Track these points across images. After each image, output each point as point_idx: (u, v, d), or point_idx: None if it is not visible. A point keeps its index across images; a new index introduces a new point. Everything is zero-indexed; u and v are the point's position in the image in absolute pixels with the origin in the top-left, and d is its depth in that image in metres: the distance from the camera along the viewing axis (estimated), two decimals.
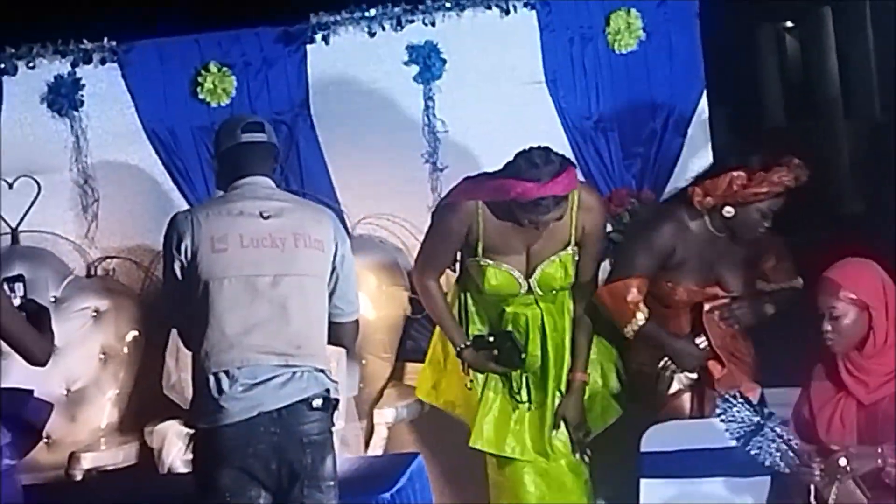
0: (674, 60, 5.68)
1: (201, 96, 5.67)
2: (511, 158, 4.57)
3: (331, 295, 3.99)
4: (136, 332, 5.57)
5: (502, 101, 5.64)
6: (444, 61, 5.66)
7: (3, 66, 5.68)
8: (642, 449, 4.56)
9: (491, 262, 4.72)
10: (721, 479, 4.36)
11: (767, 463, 3.84)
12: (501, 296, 4.79)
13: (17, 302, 3.99)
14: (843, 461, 3.78)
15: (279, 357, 3.83)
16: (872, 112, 10.99)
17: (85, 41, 5.70)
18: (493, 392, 4.85)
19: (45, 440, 5.10)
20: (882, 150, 8.03)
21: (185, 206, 5.35)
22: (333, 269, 3.98)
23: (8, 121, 5.69)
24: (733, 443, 3.91)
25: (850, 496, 3.78)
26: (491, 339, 4.77)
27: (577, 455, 4.84)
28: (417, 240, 5.18)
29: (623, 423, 4.94)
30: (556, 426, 4.81)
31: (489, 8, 5.65)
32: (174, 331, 4.81)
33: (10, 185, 5.68)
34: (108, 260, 5.74)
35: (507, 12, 5.64)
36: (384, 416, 5.37)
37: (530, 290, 4.76)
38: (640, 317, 4.74)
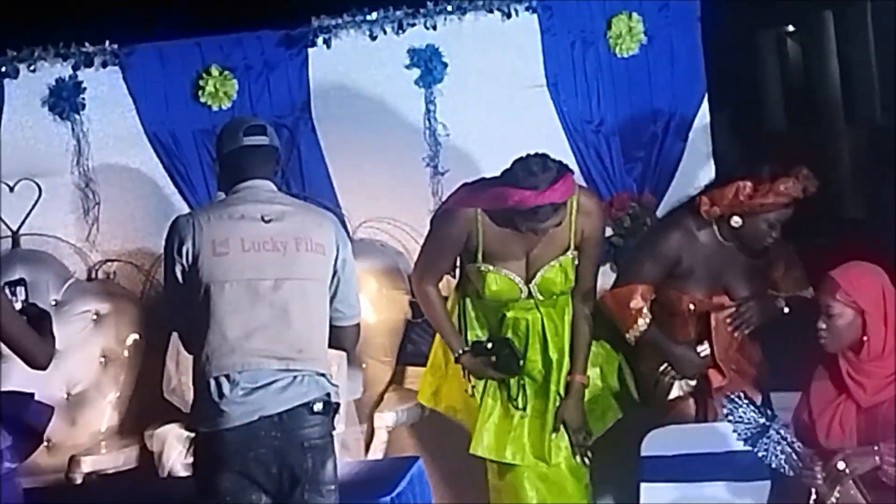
0: (675, 64, 5.68)
1: (202, 100, 5.67)
2: (508, 166, 4.55)
3: (332, 299, 3.98)
4: (136, 336, 5.56)
5: (503, 104, 5.64)
6: (446, 65, 5.66)
7: (4, 68, 5.66)
8: (643, 453, 4.57)
9: (491, 268, 4.72)
10: (721, 483, 4.37)
11: (774, 465, 3.84)
12: (502, 301, 4.79)
13: (18, 305, 3.97)
14: (841, 464, 3.78)
15: (280, 361, 3.83)
16: (873, 115, 10.97)
17: (86, 44, 5.68)
18: (492, 399, 4.84)
19: (46, 443, 5.08)
20: (883, 153, 8.02)
21: (186, 210, 5.35)
22: (335, 272, 3.98)
23: (9, 124, 5.68)
24: (735, 446, 3.92)
25: (851, 500, 3.79)
26: (489, 345, 4.77)
27: (578, 458, 4.83)
28: (418, 243, 5.17)
29: (623, 426, 4.94)
30: (556, 429, 4.81)
31: (490, 11, 5.64)
32: (175, 334, 4.82)
33: (11, 189, 5.67)
34: (109, 263, 5.72)
35: (509, 16, 5.64)
36: (385, 419, 5.36)
37: (531, 294, 4.75)
38: (642, 323, 4.75)
